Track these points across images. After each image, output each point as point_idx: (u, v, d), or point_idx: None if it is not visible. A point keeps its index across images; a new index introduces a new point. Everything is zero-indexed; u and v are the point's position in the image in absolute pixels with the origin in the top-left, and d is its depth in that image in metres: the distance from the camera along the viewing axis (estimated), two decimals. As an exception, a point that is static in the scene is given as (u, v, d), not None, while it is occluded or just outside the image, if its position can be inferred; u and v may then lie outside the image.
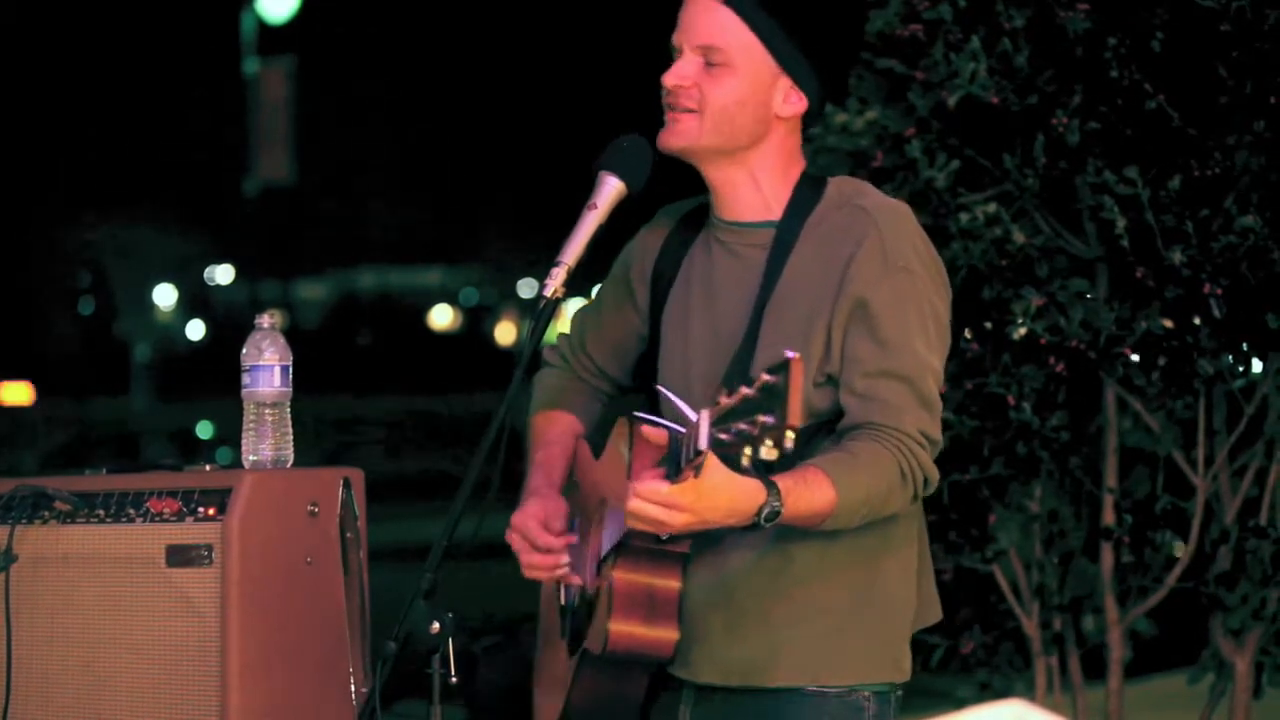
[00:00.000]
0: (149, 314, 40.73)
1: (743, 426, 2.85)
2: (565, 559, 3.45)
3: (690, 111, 3.38)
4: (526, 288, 41.17)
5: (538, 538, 3.43)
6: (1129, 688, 5.34)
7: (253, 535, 3.73)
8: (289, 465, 3.87)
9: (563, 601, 3.62)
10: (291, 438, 3.88)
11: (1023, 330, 4.95)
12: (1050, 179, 5.03)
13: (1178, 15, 4.88)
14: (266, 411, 3.86)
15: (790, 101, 3.41)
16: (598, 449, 3.64)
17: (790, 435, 2.83)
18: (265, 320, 3.89)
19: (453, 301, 46.02)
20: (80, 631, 3.85)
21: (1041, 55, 5.03)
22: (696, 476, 3.02)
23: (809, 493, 3.17)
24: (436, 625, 3.14)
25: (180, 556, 3.77)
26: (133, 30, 34.93)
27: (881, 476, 3.24)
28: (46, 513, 3.91)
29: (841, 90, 5.47)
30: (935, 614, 3.54)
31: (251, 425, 3.86)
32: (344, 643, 3.83)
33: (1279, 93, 4.78)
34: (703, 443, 2.92)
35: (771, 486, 3.12)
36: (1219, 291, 4.84)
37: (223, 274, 42.79)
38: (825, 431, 3.33)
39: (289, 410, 3.89)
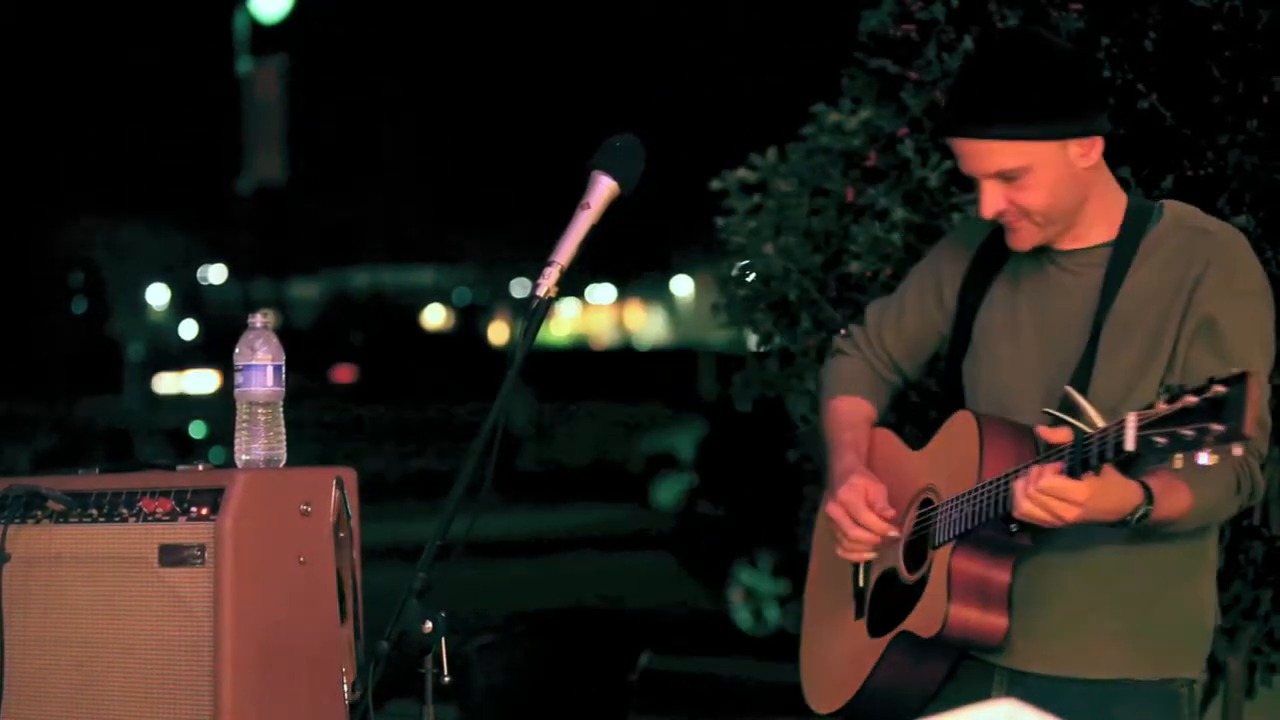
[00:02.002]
0: (142, 313, 40.70)
1: (1187, 432, 3.03)
2: (884, 539, 3.65)
3: (1019, 221, 3.57)
4: (519, 287, 41.14)
5: (862, 515, 3.65)
6: (1122, 687, 5.33)
7: (245, 535, 3.73)
8: (282, 465, 3.87)
9: (860, 583, 3.79)
10: (284, 437, 3.88)
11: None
12: (1043, 179, 5.03)
13: (1170, 15, 4.88)
14: (259, 411, 3.86)
15: (1088, 155, 3.56)
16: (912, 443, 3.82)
17: (1240, 445, 3.02)
18: (258, 320, 3.90)
19: (445, 301, 46.00)
20: (73, 631, 3.85)
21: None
22: (1097, 475, 3.24)
23: (1173, 499, 3.39)
24: (429, 625, 3.15)
25: (173, 556, 3.77)
26: (125, 29, 34.91)
27: (1225, 485, 3.47)
28: (39, 512, 3.91)
29: (832, 89, 5.47)
30: (1219, 616, 3.74)
31: (244, 425, 3.86)
32: (337, 642, 3.83)
33: (1272, 92, 4.78)
34: (1130, 444, 3.10)
35: (1147, 490, 3.35)
36: (1212, 291, 4.83)
37: (215, 273, 42.77)
38: None
39: (282, 409, 3.89)
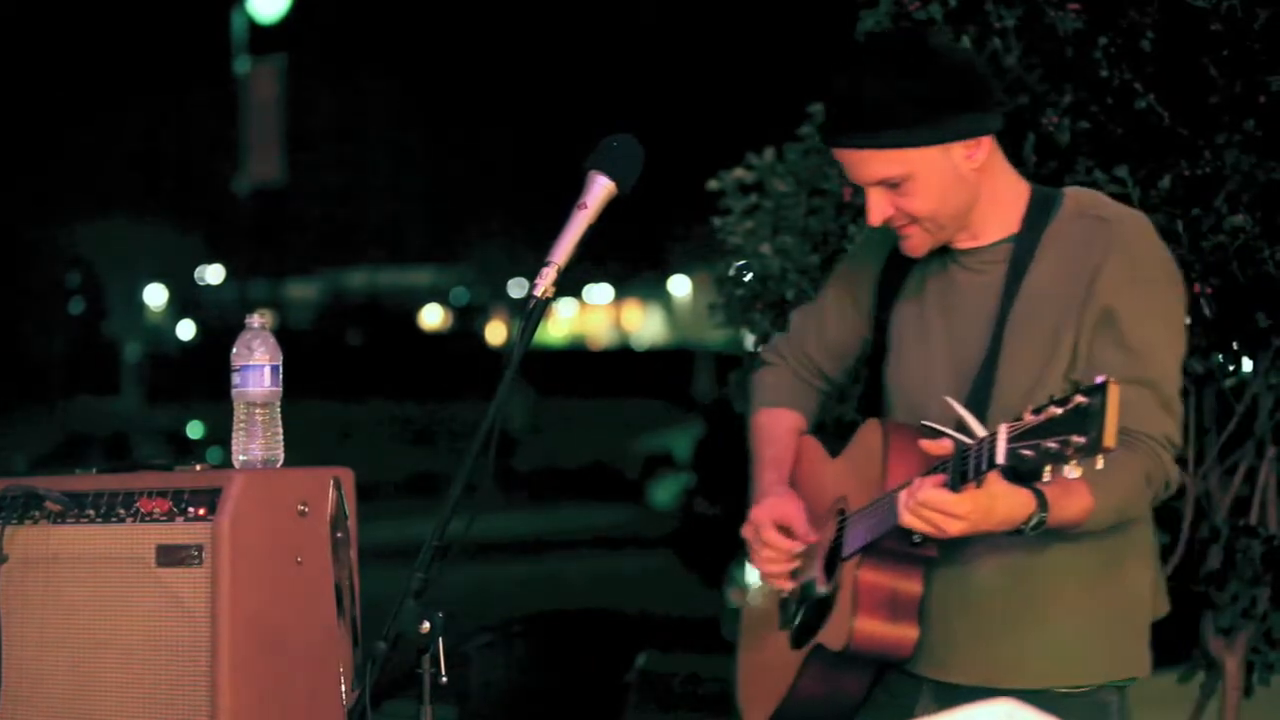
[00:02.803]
0: (139, 314, 40.71)
1: (1051, 445, 2.99)
2: (796, 562, 3.62)
3: (908, 227, 3.51)
4: (517, 287, 41.15)
5: (770, 538, 3.63)
6: (1119, 687, 5.33)
7: (243, 535, 3.73)
8: (279, 465, 3.87)
9: (785, 593, 3.73)
10: (282, 437, 3.88)
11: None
12: (1040, 178, 5.03)
13: (1168, 15, 4.88)
14: (256, 411, 3.85)
15: (973, 155, 3.49)
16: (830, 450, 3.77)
17: (1101, 458, 2.97)
18: (255, 320, 3.89)
19: (443, 301, 46.02)
20: (70, 631, 3.85)
21: (1032, 55, 5.03)
22: (979, 487, 3.18)
23: (1070, 500, 3.31)
24: (427, 625, 3.14)
25: (170, 556, 3.76)
26: (124, 30, 34.91)
27: (1133, 481, 3.39)
28: (37, 512, 3.90)
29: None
30: (1166, 605, 3.67)
31: (242, 425, 3.86)
32: (334, 643, 3.83)
33: (1269, 92, 4.78)
34: (1001, 458, 3.06)
35: (1040, 497, 3.27)
36: (1209, 290, 4.84)
37: (213, 274, 42.78)
38: None
39: (279, 410, 3.89)
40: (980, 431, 3.14)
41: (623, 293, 47.74)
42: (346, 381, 33.61)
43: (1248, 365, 5.01)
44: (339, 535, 3.85)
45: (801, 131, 5.70)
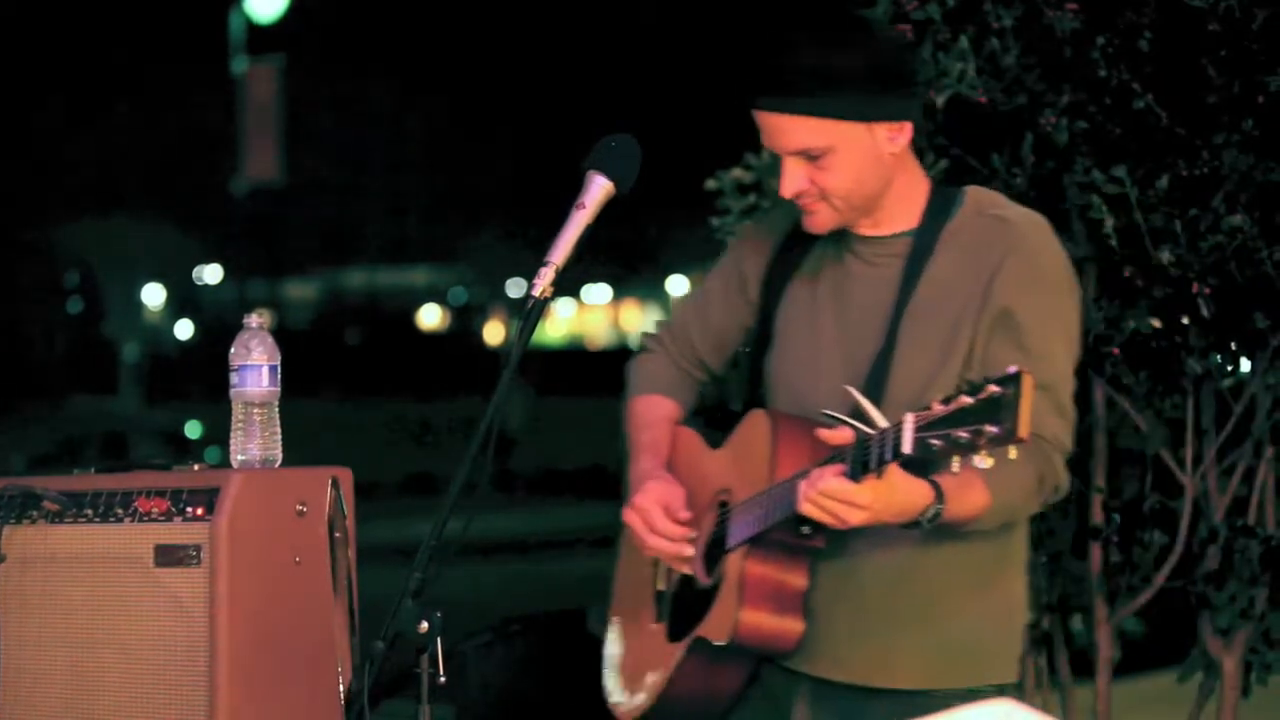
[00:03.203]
0: (137, 314, 40.70)
1: (962, 435, 2.94)
2: (687, 545, 3.55)
3: (817, 204, 3.47)
4: (515, 287, 41.16)
5: (657, 522, 3.56)
6: (1117, 687, 5.34)
7: (241, 535, 3.73)
8: (277, 465, 3.87)
9: (660, 586, 3.70)
10: (280, 437, 3.88)
11: (1011, 329, 4.95)
12: (1038, 178, 5.04)
13: (1166, 15, 4.88)
14: (255, 411, 3.85)
15: (895, 139, 3.46)
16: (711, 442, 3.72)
17: (1014, 449, 2.92)
18: (253, 320, 3.89)
19: (441, 301, 46.02)
20: (68, 631, 3.85)
21: (1030, 55, 5.03)
22: (879, 478, 3.14)
23: (967, 495, 3.28)
24: (425, 624, 3.15)
25: (168, 556, 3.76)
26: (121, 29, 34.90)
27: (1026, 481, 3.36)
28: (35, 512, 3.90)
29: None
30: (1027, 614, 3.66)
31: (240, 425, 3.86)
32: (332, 642, 3.83)
33: (1267, 92, 4.78)
34: (907, 447, 3.01)
35: (938, 489, 3.23)
36: (1207, 291, 4.84)
37: (211, 274, 42.77)
38: None
39: (277, 410, 3.89)
40: (882, 422, 3.10)
41: (621, 293, 47.75)
42: (345, 381, 33.62)
43: (1246, 365, 5.01)
44: (337, 535, 3.85)
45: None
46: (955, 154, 5.14)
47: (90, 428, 28.26)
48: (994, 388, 2.92)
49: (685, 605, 3.59)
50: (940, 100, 5.07)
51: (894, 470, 3.15)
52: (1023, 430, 2.89)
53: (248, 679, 3.70)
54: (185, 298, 42.38)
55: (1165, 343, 4.94)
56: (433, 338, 44.78)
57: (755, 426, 3.52)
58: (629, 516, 3.61)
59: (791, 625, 3.43)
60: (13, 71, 32.84)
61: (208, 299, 42.51)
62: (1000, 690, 3.51)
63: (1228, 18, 4.79)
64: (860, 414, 3.16)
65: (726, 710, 3.58)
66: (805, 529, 3.33)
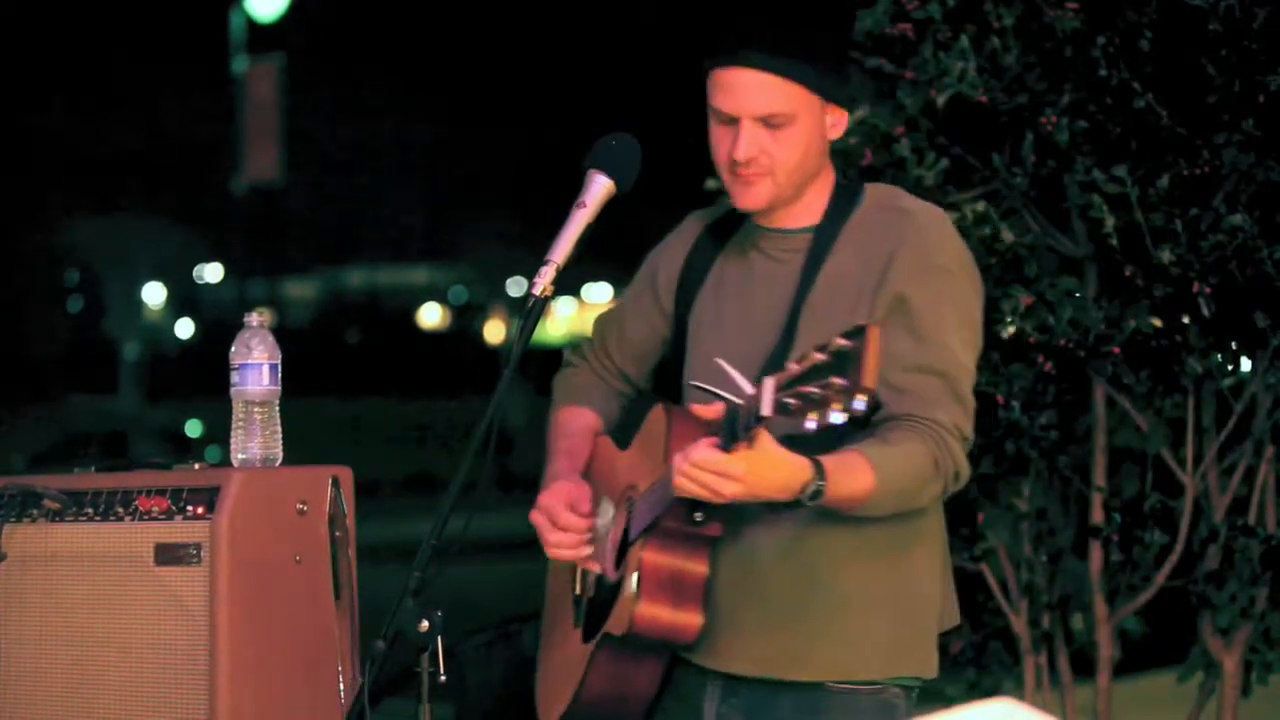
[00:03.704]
0: (137, 312, 40.68)
1: (812, 390, 2.90)
2: (588, 539, 3.53)
3: (762, 175, 3.45)
4: (515, 286, 41.14)
5: (559, 517, 3.53)
6: (1118, 686, 5.34)
7: (241, 534, 3.73)
8: (278, 464, 3.87)
9: (578, 591, 3.68)
10: (280, 436, 3.88)
11: (1011, 329, 4.96)
12: (1039, 178, 5.04)
13: (1166, 14, 4.88)
14: (255, 410, 3.85)
15: (836, 124, 3.49)
16: (621, 444, 3.70)
17: (863, 398, 2.88)
18: (254, 319, 3.89)
19: (441, 300, 46.00)
20: (68, 630, 3.85)
21: (1030, 54, 5.03)
22: (750, 447, 3.09)
23: (850, 475, 3.25)
24: (425, 624, 3.15)
25: (169, 555, 3.76)
26: (121, 28, 34.90)
27: (918, 466, 3.33)
28: (35, 511, 3.90)
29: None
30: (956, 617, 3.61)
31: (240, 424, 3.86)
32: (333, 641, 3.83)
33: (1267, 91, 4.78)
34: (766, 409, 2.97)
35: (818, 465, 3.20)
36: (1208, 290, 4.84)
37: (211, 273, 42.75)
38: (859, 425, 3.36)
39: (278, 409, 3.89)
40: (749, 388, 3.06)
41: (622, 292, 47.71)
42: (345, 380, 33.60)
43: (1246, 365, 5.01)
44: (338, 534, 3.85)
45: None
46: (955, 153, 5.14)
47: (90, 426, 28.24)
48: (841, 341, 2.89)
49: (598, 606, 3.56)
50: (941, 100, 5.07)
51: (767, 441, 3.12)
52: (867, 380, 2.86)
53: (248, 678, 3.70)
54: (186, 296, 42.34)
55: (1166, 342, 4.94)
56: (433, 337, 44.75)
57: (655, 420, 3.52)
58: (533, 516, 3.59)
59: (690, 617, 3.37)
60: (11, 70, 32.84)
61: (208, 298, 42.48)
62: (915, 685, 3.48)
63: (1228, 17, 4.79)
64: (734, 384, 3.13)
65: (645, 715, 3.54)
66: (698, 515, 3.31)
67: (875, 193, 3.54)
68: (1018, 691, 5.34)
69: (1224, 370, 4.98)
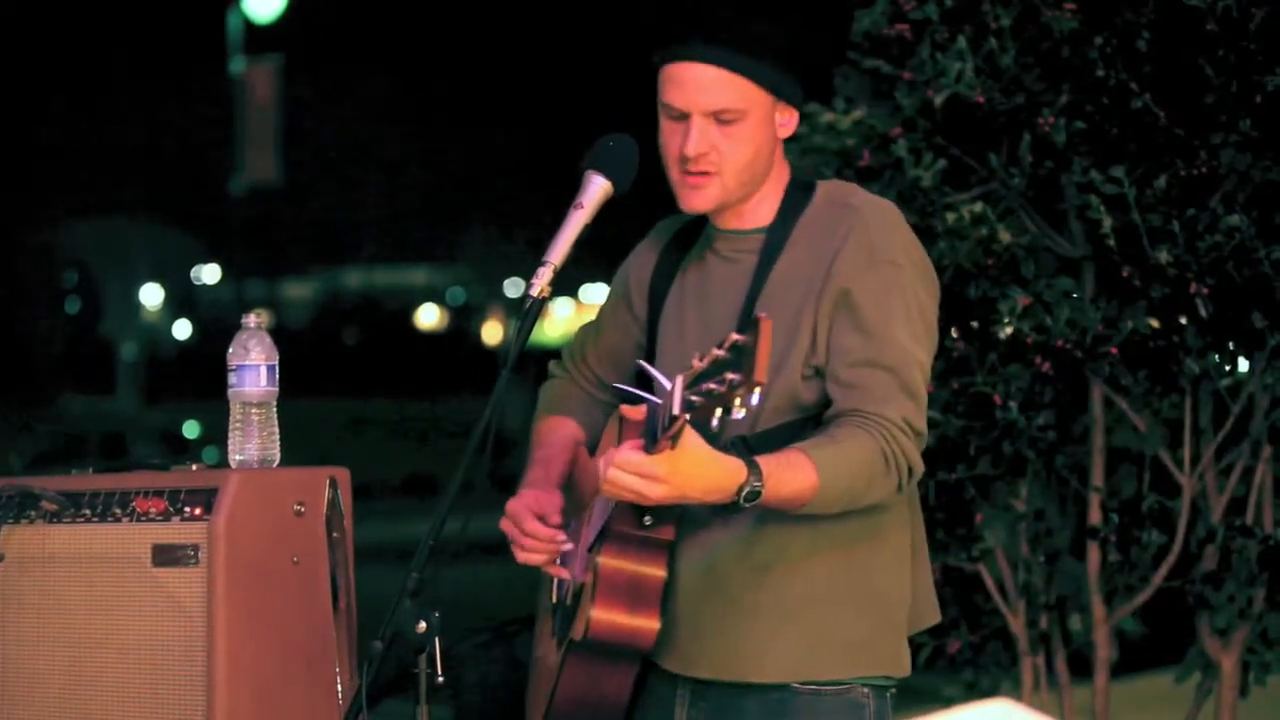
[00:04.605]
0: (135, 314, 40.68)
1: (712, 386, 2.88)
2: (553, 548, 3.47)
3: (709, 174, 3.42)
4: (513, 287, 41.16)
5: (525, 523, 3.46)
6: (1115, 687, 5.35)
7: (239, 535, 3.73)
8: (275, 465, 3.87)
9: (554, 599, 3.66)
10: (278, 437, 3.88)
11: (1009, 329, 4.96)
12: (1036, 178, 5.04)
13: (1164, 14, 4.88)
14: (253, 411, 3.85)
15: (786, 123, 3.47)
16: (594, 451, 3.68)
17: (756, 390, 2.86)
18: (251, 320, 3.89)
19: (439, 301, 46.00)
20: (66, 631, 3.84)
21: (1028, 55, 5.04)
22: (674, 447, 3.06)
23: (791, 474, 3.20)
24: (423, 624, 3.14)
25: (166, 556, 3.76)
26: (119, 29, 34.90)
27: (864, 462, 3.27)
28: (33, 512, 3.90)
29: (826, 89, 5.49)
30: (934, 616, 3.57)
31: (238, 425, 3.86)
32: (330, 642, 3.83)
33: (1265, 91, 4.79)
34: (676, 407, 2.95)
35: (753, 466, 3.16)
36: (1205, 290, 4.85)
37: (209, 274, 42.75)
38: (812, 425, 3.35)
39: (275, 410, 3.89)
40: (669, 387, 3.02)
41: (619, 292, 47.67)
42: (343, 381, 33.60)
43: (1244, 365, 5.01)
44: (335, 535, 3.85)
45: (798, 131, 5.69)
46: (953, 154, 5.14)
47: (88, 427, 28.25)
48: (736, 336, 2.88)
49: (570, 612, 3.53)
50: (938, 100, 5.07)
51: (691, 441, 3.07)
52: (758, 374, 2.84)
53: (245, 679, 3.70)
54: (183, 297, 42.35)
55: (1163, 342, 4.94)
56: (431, 337, 44.76)
57: (612, 424, 3.52)
58: (503, 524, 3.54)
59: (646, 623, 3.34)
60: (10, 70, 32.84)
61: (206, 299, 42.48)
62: (886, 685, 3.45)
63: (1225, 17, 4.80)
64: (650, 387, 3.12)
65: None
66: (646, 519, 3.28)
67: (827, 189, 3.51)
68: (1015, 692, 5.34)
69: (1221, 371, 4.98)
